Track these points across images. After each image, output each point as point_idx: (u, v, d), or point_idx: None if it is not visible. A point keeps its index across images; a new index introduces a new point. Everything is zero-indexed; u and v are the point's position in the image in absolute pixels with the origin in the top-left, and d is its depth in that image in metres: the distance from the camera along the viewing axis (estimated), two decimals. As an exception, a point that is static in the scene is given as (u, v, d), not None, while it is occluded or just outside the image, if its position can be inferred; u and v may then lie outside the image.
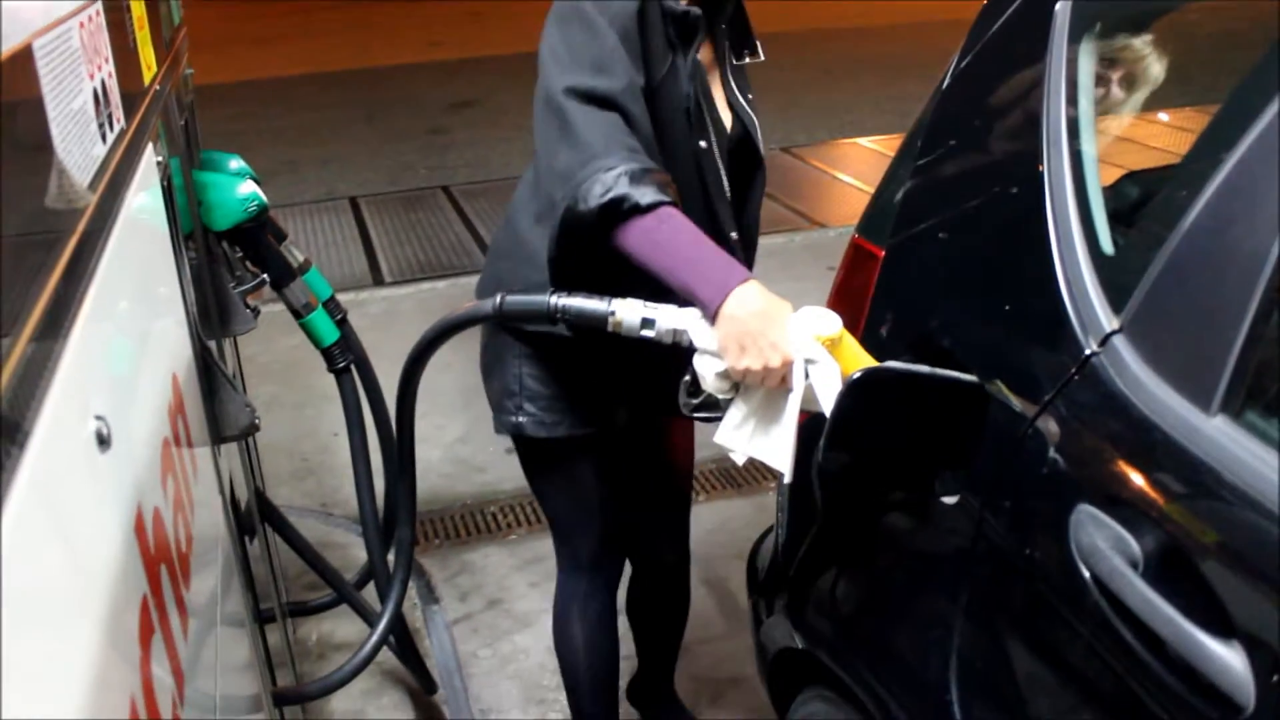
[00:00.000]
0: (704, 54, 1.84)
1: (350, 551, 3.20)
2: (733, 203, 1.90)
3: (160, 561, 0.91)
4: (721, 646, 2.87)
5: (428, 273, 5.63)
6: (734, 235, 1.89)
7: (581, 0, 1.66)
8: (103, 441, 0.76)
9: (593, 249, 1.61)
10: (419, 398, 1.87)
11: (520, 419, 1.92)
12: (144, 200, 1.23)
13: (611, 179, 1.53)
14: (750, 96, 1.95)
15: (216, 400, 1.54)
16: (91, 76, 1.00)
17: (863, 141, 8.07)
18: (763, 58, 1.95)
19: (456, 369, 3.93)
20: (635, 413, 1.98)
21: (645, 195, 1.53)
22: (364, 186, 7.21)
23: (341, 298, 2.28)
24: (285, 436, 3.96)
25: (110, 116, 1.07)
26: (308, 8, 16.58)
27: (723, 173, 1.86)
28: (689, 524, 2.32)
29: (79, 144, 0.90)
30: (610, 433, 1.97)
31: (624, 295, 1.59)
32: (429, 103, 9.88)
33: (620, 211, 1.53)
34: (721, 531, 3.33)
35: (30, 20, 0.81)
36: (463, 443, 3.88)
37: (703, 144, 1.81)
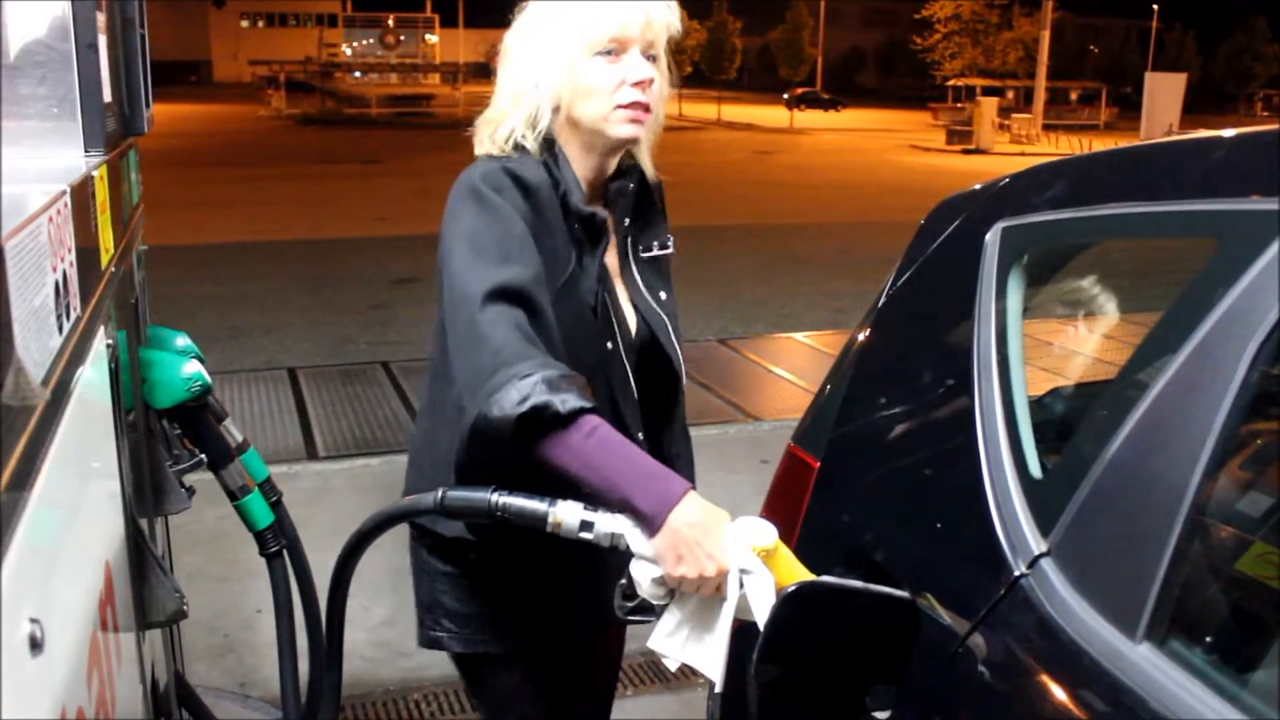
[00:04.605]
0: (609, 253, 1.82)
1: (266, 738, 3.08)
2: (641, 405, 1.85)
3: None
4: None
5: (362, 449, 5.60)
6: (640, 436, 1.84)
7: (483, 188, 1.64)
8: (35, 645, 0.75)
9: (504, 455, 1.53)
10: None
11: (438, 634, 1.86)
12: (91, 386, 1.23)
13: (528, 386, 1.45)
14: (664, 295, 1.89)
15: (146, 584, 1.51)
16: (54, 269, 1.02)
17: (798, 336, 8.27)
18: (672, 250, 1.90)
19: (385, 549, 3.82)
20: (567, 627, 1.90)
21: (566, 402, 1.45)
22: (303, 358, 7.22)
23: (274, 469, 2.26)
24: (206, 611, 3.84)
25: (68, 305, 1.08)
26: (258, 176, 16.88)
27: (630, 375, 1.82)
28: None
29: (37, 339, 0.91)
30: (540, 646, 1.89)
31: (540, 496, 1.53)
32: (373, 277, 10.01)
33: (540, 420, 1.46)
34: (649, 728, 3.26)
35: (2, 222, 0.83)
36: (389, 626, 3.79)
37: (609, 345, 1.78)
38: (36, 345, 0.90)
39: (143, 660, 1.49)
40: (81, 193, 1.25)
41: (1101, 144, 25.30)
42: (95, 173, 1.40)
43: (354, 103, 33.26)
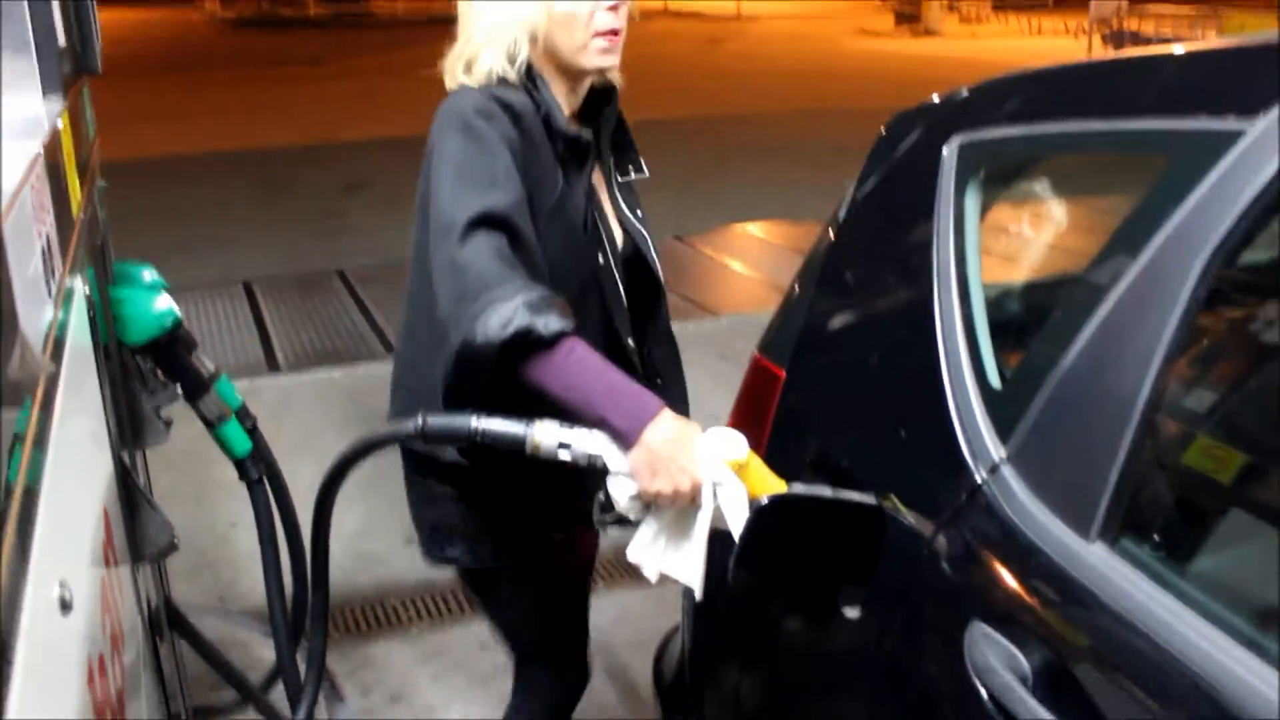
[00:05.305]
0: (595, 174, 1.89)
1: (252, 650, 3.15)
2: (635, 317, 1.96)
3: (106, 708, 0.94)
4: (626, 741, 2.90)
5: (323, 360, 5.60)
6: (631, 343, 1.93)
7: (470, 115, 1.67)
8: (65, 606, 0.80)
9: (489, 378, 1.59)
10: (315, 490, 1.85)
11: (445, 552, 1.95)
12: (77, 336, 1.25)
13: (510, 310, 1.50)
14: (640, 214, 1.98)
15: (136, 521, 1.55)
16: (40, 235, 1.04)
17: (753, 229, 8.29)
18: (647, 174, 1.99)
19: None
20: (556, 531, 2.01)
21: (548, 325, 1.51)
22: (258, 269, 7.16)
23: (236, 384, 2.26)
24: (181, 530, 3.80)
25: (54, 270, 1.10)
26: (199, 84, 16.47)
27: (620, 287, 1.90)
28: None
29: (34, 309, 0.93)
30: (542, 553, 2.00)
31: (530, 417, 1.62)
32: (322, 185, 9.88)
33: (523, 343, 1.52)
34: (623, 622, 3.37)
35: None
36: (362, 536, 3.86)
37: (600, 260, 1.85)
38: (34, 315, 0.93)
39: (139, 594, 1.54)
40: (52, 150, 1.26)
41: (1050, 23, 25.23)
42: (59, 123, 1.40)
43: (291, 3, 32.25)
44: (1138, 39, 18.63)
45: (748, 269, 7.21)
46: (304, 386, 5.27)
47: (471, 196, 1.61)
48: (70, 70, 1.73)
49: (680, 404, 2.10)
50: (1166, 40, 17.13)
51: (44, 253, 1.04)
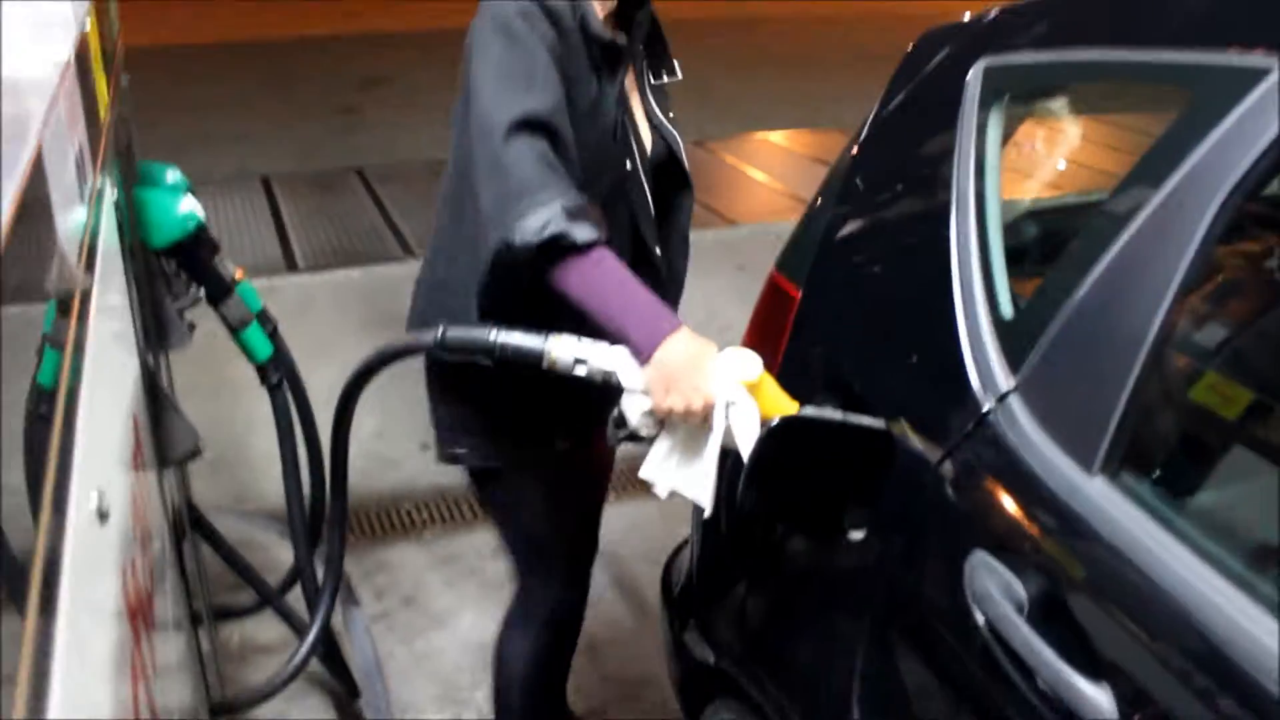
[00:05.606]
0: (628, 78, 1.91)
1: (271, 553, 3.23)
2: (657, 221, 1.98)
3: (138, 614, 0.98)
4: (632, 647, 2.97)
5: (342, 260, 5.62)
6: (658, 251, 1.97)
7: (511, 18, 1.69)
8: (103, 516, 0.83)
9: (522, 283, 1.64)
10: (335, 392, 1.89)
11: (459, 451, 1.98)
12: (107, 241, 1.27)
13: (548, 214, 1.55)
14: (672, 115, 2.01)
15: (161, 425, 1.59)
16: (74, 143, 1.05)
17: (772, 137, 8.22)
18: (680, 77, 2.01)
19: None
20: (571, 436, 2.05)
21: (582, 233, 1.56)
22: (275, 164, 7.15)
23: (255, 283, 2.29)
24: (199, 427, 3.94)
25: (86, 176, 1.12)
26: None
27: (648, 193, 1.93)
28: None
29: (69, 220, 0.95)
30: (551, 457, 2.03)
31: (548, 327, 1.65)
32: (339, 78, 9.79)
33: (558, 248, 1.57)
34: (633, 533, 3.43)
35: (34, 113, 0.86)
36: (378, 438, 3.92)
37: (628, 165, 1.88)
38: (69, 226, 0.95)
39: (164, 497, 1.58)
40: (82, 52, 1.27)
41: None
42: (86, 24, 1.40)
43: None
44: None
45: (767, 177, 7.17)
46: (322, 286, 5.30)
47: (513, 98, 1.63)
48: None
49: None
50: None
51: (78, 162, 1.06)
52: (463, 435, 1.98)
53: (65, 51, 1.15)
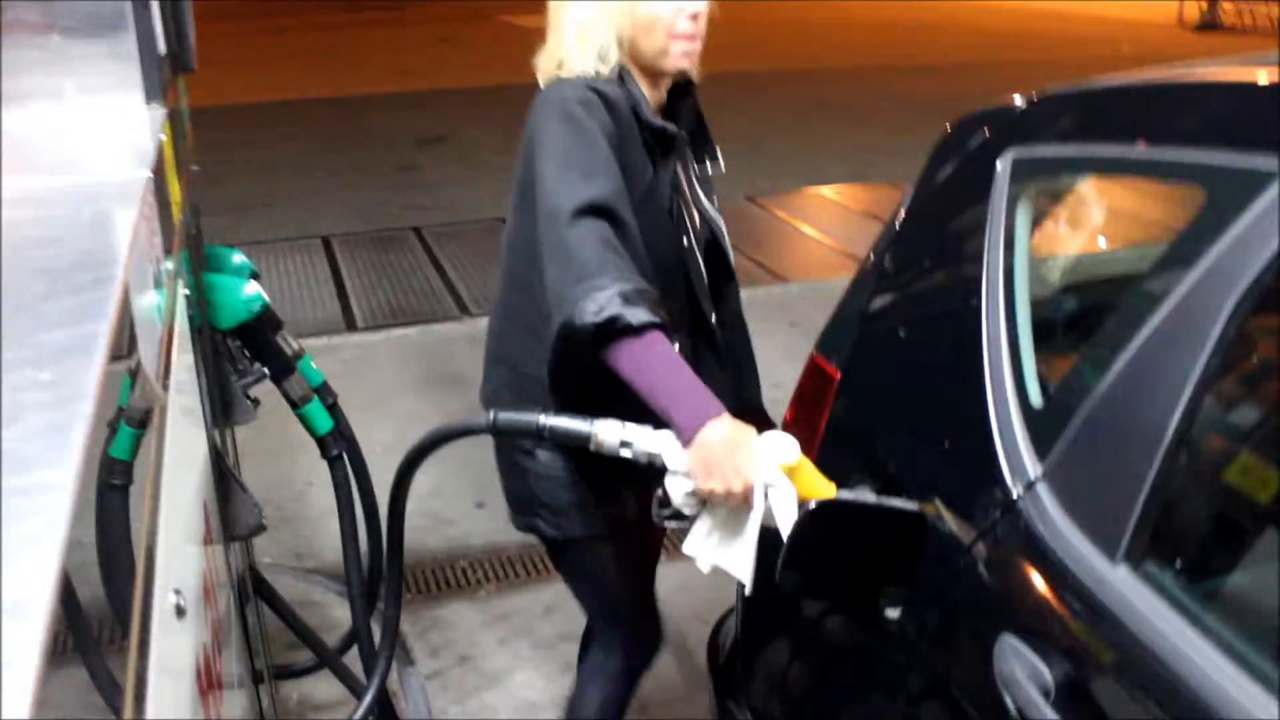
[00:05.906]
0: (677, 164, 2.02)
1: (328, 611, 3.31)
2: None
3: (208, 686, 1.05)
4: (681, 708, 3.01)
5: (400, 319, 5.75)
6: (714, 319, 2.09)
7: (571, 105, 1.80)
8: (180, 613, 0.91)
9: (587, 358, 1.73)
10: (391, 450, 1.98)
11: (533, 522, 2.10)
12: (182, 335, 1.36)
13: (604, 299, 1.63)
14: (716, 202, 2.13)
15: (228, 502, 1.67)
16: (154, 261, 1.14)
17: (825, 191, 8.27)
18: (724, 170, 2.13)
19: (429, 420, 4.05)
20: (630, 512, 2.12)
21: (637, 316, 1.64)
22: (336, 224, 7.33)
23: (314, 342, 2.40)
24: (259, 486, 3.96)
25: (160, 281, 1.21)
26: (275, 28, 16.65)
27: (702, 267, 2.05)
28: None
29: (150, 334, 1.04)
30: (621, 526, 2.13)
31: (613, 402, 1.73)
32: (399, 136, 10.02)
33: (613, 330, 1.65)
34: (682, 591, 3.46)
35: (118, 253, 0.94)
36: (434, 495, 4.01)
37: (685, 242, 1.99)
38: (150, 341, 1.04)
39: (230, 566, 1.66)
40: (159, 169, 1.36)
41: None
42: (162, 136, 1.50)
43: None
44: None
45: (819, 234, 7.22)
46: (381, 344, 5.43)
47: (576, 185, 1.74)
48: (169, 72, 1.83)
49: (753, 387, 2.23)
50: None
51: (156, 278, 1.15)
52: (536, 509, 2.08)
53: (143, 174, 1.24)
